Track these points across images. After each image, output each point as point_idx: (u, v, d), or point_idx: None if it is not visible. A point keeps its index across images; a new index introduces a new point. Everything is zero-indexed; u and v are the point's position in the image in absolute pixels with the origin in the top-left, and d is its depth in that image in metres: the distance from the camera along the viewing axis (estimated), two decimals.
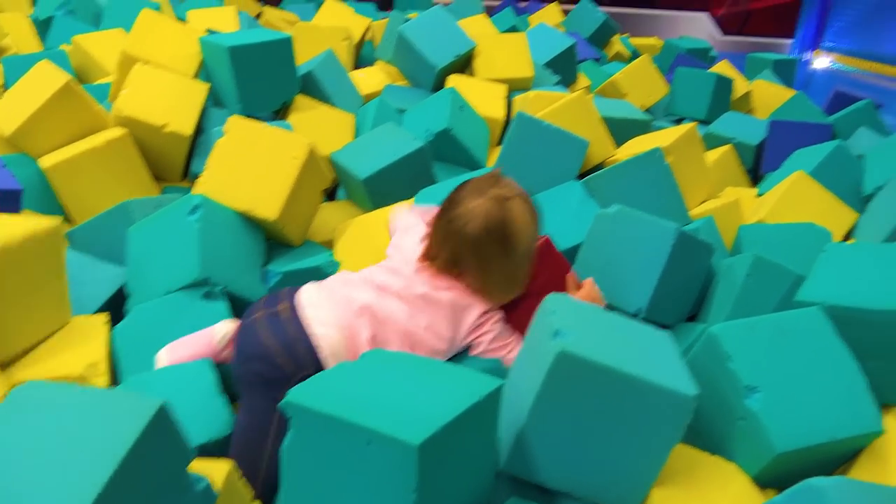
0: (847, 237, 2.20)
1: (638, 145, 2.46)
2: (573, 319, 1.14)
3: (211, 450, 1.24)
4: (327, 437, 0.92)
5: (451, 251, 1.32)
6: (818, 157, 2.38)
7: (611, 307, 1.57)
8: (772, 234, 1.92)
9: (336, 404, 0.93)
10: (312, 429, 0.93)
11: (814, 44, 8.15)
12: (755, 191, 2.54)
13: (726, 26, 8.43)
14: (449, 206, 1.36)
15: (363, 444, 0.89)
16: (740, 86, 3.89)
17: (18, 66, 2.55)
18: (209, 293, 1.52)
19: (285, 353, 1.22)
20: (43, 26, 3.39)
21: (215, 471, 1.01)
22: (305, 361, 1.22)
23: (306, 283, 1.39)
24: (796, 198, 2.17)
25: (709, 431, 1.29)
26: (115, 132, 2.05)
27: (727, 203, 2.24)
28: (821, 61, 7.98)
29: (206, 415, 1.27)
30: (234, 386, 1.31)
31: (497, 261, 1.32)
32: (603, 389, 1.05)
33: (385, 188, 2.06)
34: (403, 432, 0.87)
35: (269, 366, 1.22)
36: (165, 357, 1.38)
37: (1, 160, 1.78)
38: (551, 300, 1.21)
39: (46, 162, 1.96)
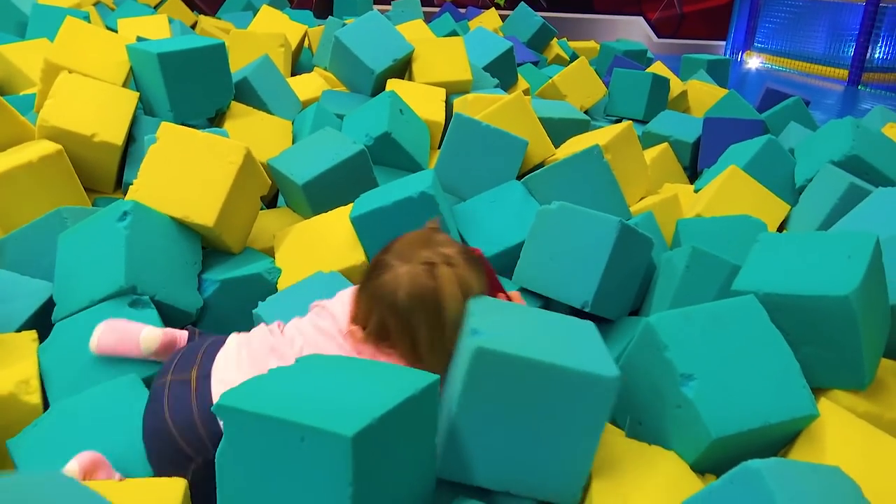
0: (781, 228, 2.26)
1: (576, 144, 2.49)
2: (490, 317, 1.14)
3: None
4: (260, 437, 0.89)
5: (378, 320, 1.22)
6: (751, 151, 2.45)
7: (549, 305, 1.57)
8: (709, 226, 1.96)
9: (267, 404, 0.90)
10: (245, 431, 0.90)
11: (745, 45, 8.42)
12: (692, 186, 2.60)
13: (661, 29, 8.64)
14: (375, 271, 1.25)
15: (297, 441, 0.87)
16: (676, 86, 3.98)
17: None
18: (136, 301, 1.47)
19: (186, 435, 1.14)
20: None
21: (171, 490, 0.98)
22: (207, 446, 1.13)
23: (231, 333, 1.31)
24: (731, 191, 2.22)
25: (648, 421, 1.30)
26: (49, 147, 1.96)
27: (666, 198, 2.28)
28: (752, 61, 8.24)
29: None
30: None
31: (426, 331, 1.20)
32: (524, 381, 1.05)
33: (325, 193, 2.03)
34: (336, 425, 0.85)
35: (170, 447, 1.15)
36: (94, 341, 1.36)
37: None
38: (471, 303, 1.20)
39: None
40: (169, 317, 1.55)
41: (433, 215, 1.76)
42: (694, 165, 3.07)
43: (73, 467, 1.09)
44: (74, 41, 2.43)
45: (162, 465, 1.16)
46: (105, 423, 1.24)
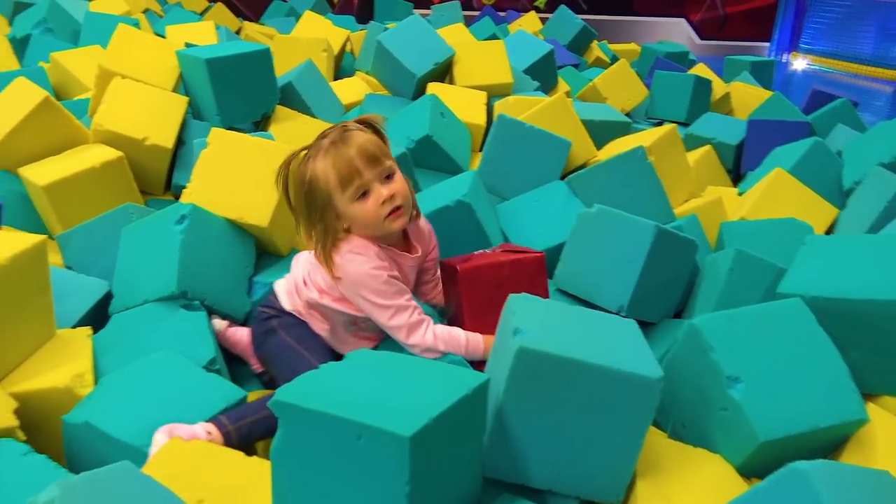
0: (828, 232, 2.22)
1: (619, 146, 2.48)
2: (533, 317, 1.15)
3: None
4: (317, 434, 0.91)
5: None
6: (797, 154, 2.41)
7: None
8: (754, 230, 1.94)
9: (324, 401, 0.92)
10: (302, 426, 0.92)
11: (790, 46, 8.26)
12: (736, 189, 2.57)
13: (704, 31, 8.53)
14: None
15: (354, 439, 0.89)
16: (718, 88, 3.93)
17: None
18: (187, 305, 1.52)
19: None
20: (20, 45, 3.38)
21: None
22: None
23: None
24: (777, 194, 2.19)
25: (693, 423, 1.29)
26: (111, 153, 2.05)
27: (710, 201, 2.25)
28: (798, 63, 8.08)
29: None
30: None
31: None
32: (567, 381, 1.06)
33: None
34: (394, 425, 0.87)
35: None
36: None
37: None
38: (513, 301, 1.21)
39: (42, 180, 1.92)
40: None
41: (471, 223, 1.80)
42: (737, 168, 3.03)
43: (160, 438, 1.17)
44: (126, 47, 2.51)
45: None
46: (149, 390, 1.30)
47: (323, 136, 1.39)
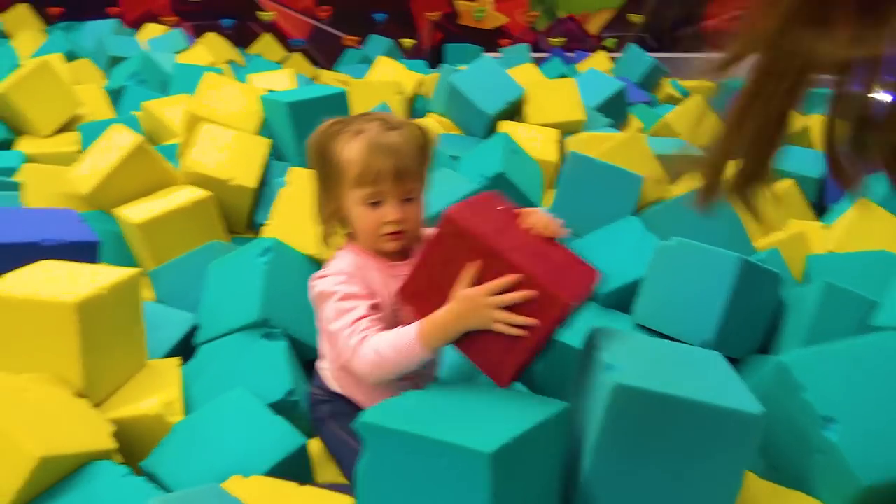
0: None
1: (695, 180, 2.43)
2: (622, 351, 1.12)
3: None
4: (401, 453, 0.93)
5: None
6: (885, 183, 2.31)
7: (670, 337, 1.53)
8: (842, 263, 1.87)
9: (408, 421, 0.95)
10: (386, 447, 0.95)
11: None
12: (820, 223, 2.48)
13: None
14: None
15: (437, 457, 0.90)
16: (797, 121, 3.83)
17: (93, 131, 2.70)
18: (269, 334, 1.56)
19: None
20: (115, 95, 3.59)
21: None
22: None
23: None
24: (865, 226, 2.10)
25: (787, 466, 1.23)
26: (200, 193, 2.17)
27: (793, 234, 2.18)
28: (881, 96, 7.81)
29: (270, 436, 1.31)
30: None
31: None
32: (666, 419, 1.02)
33: None
34: (476, 442, 0.89)
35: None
36: None
37: (80, 215, 1.88)
38: (598, 334, 1.18)
39: (137, 218, 2.05)
40: (299, 350, 1.63)
41: None
42: (821, 202, 2.93)
43: None
44: (212, 94, 2.65)
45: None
46: (223, 432, 1.32)
47: (369, 118, 1.26)
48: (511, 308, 1.06)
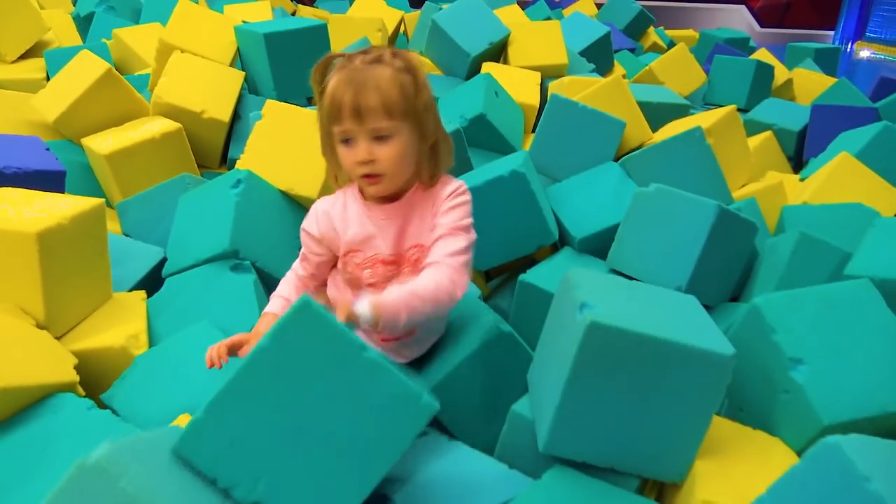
0: None
1: (676, 128, 2.42)
2: (598, 291, 1.12)
3: None
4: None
5: None
6: (864, 139, 2.31)
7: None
8: (817, 214, 1.87)
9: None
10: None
11: (856, 35, 7.97)
12: (797, 176, 2.48)
13: (765, 18, 8.28)
14: None
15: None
16: (780, 74, 3.81)
17: (60, 58, 2.62)
18: (237, 265, 1.54)
19: None
20: (84, 22, 3.47)
21: None
22: None
23: None
24: (842, 180, 2.10)
25: (752, 406, 1.25)
26: (170, 125, 2.10)
27: (770, 185, 2.19)
28: (863, 52, 7.79)
29: None
30: None
31: None
32: (637, 357, 1.03)
33: None
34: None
35: None
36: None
37: (45, 144, 1.82)
38: (574, 275, 1.18)
39: (104, 149, 1.97)
40: (267, 283, 1.61)
41: (525, 195, 1.75)
42: (799, 156, 2.93)
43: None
44: (186, 23, 2.55)
45: None
46: (185, 367, 1.31)
47: (366, 51, 1.19)
48: None
